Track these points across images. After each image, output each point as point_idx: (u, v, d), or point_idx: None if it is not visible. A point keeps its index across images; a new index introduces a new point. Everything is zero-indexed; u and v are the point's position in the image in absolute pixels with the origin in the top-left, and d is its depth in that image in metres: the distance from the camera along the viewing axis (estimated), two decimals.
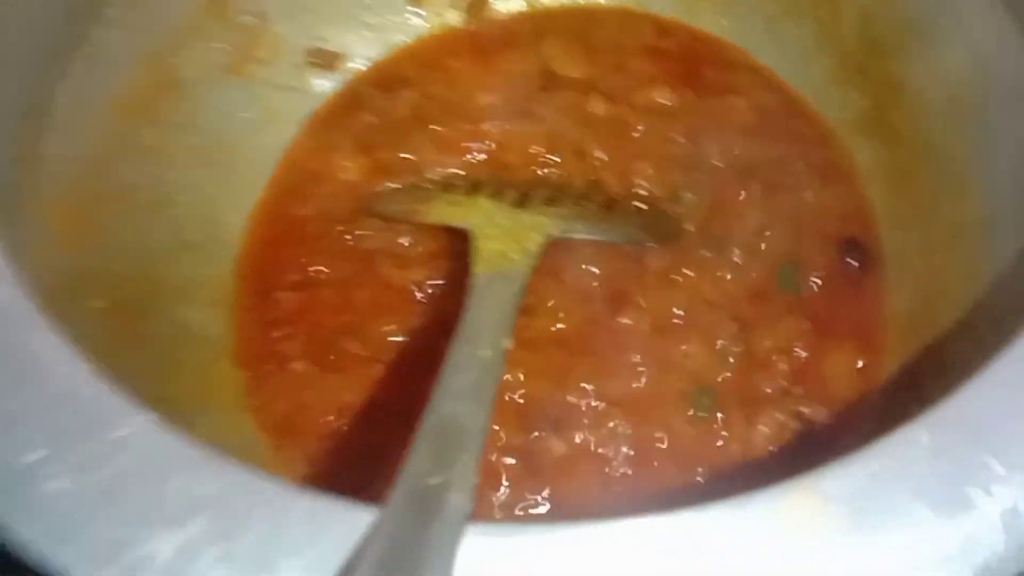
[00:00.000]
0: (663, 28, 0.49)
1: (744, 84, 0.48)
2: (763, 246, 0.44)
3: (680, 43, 0.49)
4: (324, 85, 0.49)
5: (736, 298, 0.43)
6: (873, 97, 0.46)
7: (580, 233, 0.41)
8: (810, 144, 0.46)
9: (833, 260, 0.43)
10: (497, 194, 0.42)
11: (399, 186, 0.45)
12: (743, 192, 0.45)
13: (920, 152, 0.44)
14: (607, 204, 0.44)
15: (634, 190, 0.45)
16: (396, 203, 0.44)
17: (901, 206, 0.44)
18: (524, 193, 0.43)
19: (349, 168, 0.47)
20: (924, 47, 0.44)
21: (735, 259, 0.43)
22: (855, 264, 0.43)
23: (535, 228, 0.39)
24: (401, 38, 0.50)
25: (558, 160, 0.46)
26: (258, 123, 0.47)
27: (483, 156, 0.46)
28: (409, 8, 0.50)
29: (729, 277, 0.43)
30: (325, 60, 0.49)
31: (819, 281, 0.43)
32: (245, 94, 0.47)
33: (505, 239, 0.38)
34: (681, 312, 0.42)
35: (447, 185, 0.45)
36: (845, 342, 0.41)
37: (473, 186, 0.44)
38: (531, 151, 0.46)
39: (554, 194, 0.43)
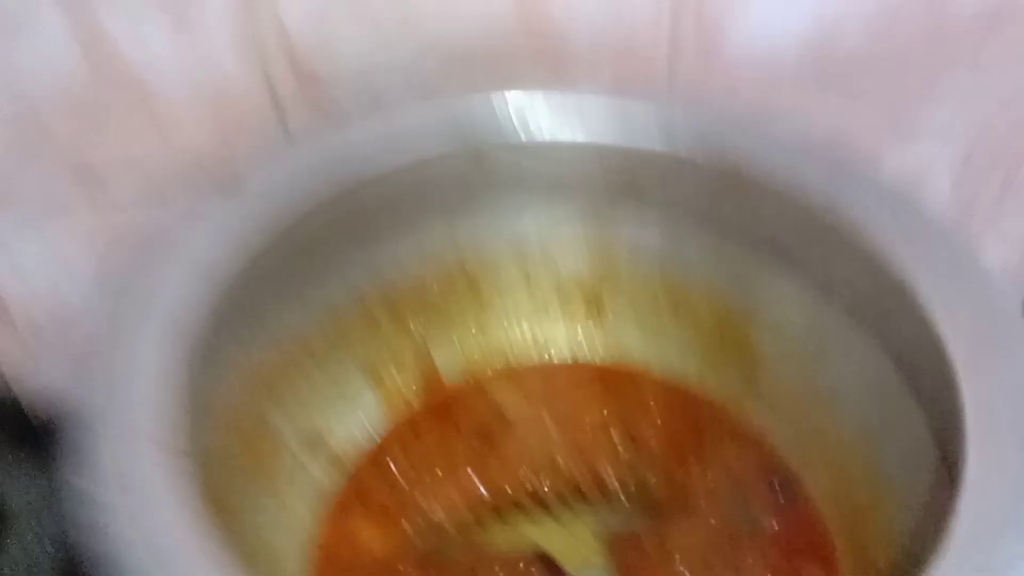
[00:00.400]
0: (573, 366, 0.64)
1: (645, 386, 0.62)
2: (716, 499, 0.56)
3: (589, 370, 0.63)
4: (326, 469, 0.57)
5: (716, 545, 0.54)
6: (740, 367, 0.62)
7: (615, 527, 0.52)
8: (713, 418, 0.61)
9: (769, 495, 0.57)
10: (528, 515, 0.52)
11: (436, 550, 0.54)
12: (683, 464, 0.58)
13: (790, 397, 0.58)
14: (605, 499, 0.55)
15: (608, 482, 0.57)
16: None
17: (797, 439, 0.58)
18: (544, 509, 0.53)
19: (373, 540, 0.54)
20: (759, 314, 0.60)
21: (700, 514, 0.56)
22: (785, 495, 0.57)
23: (585, 537, 0.49)
24: (378, 418, 0.60)
25: (541, 478, 0.57)
26: (278, 520, 0.54)
27: (483, 492, 0.56)
28: (378, 397, 0.60)
29: (703, 531, 0.55)
30: (320, 447, 0.57)
31: (768, 514, 0.56)
32: (261, 494, 0.53)
33: (576, 548, 0.48)
34: (685, 573, 0.53)
35: (479, 522, 0.54)
36: (808, 557, 0.54)
37: (495, 512, 0.54)
38: (519, 476, 0.57)
39: (562, 501, 0.54)
